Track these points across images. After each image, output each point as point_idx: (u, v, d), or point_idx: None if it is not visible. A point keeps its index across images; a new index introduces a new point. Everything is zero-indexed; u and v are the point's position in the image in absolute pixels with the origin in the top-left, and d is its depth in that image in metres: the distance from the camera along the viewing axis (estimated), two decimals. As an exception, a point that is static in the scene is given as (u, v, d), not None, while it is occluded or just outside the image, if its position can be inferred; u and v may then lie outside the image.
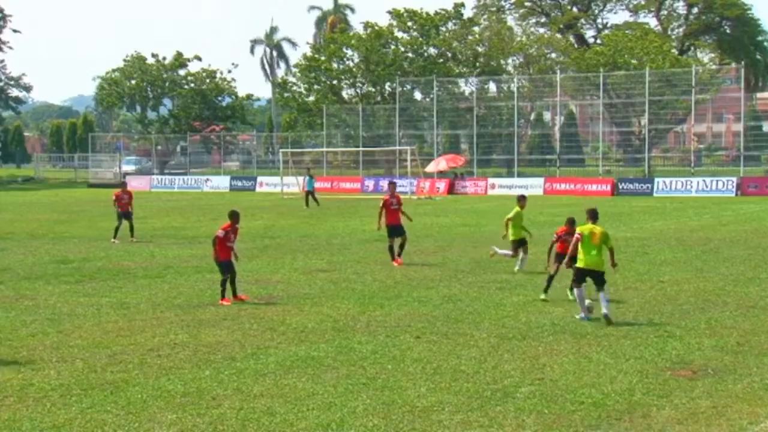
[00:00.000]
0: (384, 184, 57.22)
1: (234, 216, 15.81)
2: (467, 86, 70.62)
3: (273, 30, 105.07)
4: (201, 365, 11.06)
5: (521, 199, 18.92)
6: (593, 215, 13.71)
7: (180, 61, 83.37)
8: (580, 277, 13.49)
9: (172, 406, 9.36)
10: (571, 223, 15.09)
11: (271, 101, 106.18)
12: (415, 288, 16.81)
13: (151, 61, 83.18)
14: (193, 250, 23.25)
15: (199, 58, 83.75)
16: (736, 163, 58.33)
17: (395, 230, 20.47)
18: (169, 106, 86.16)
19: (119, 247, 24.31)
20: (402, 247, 20.53)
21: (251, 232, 27.80)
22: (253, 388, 10.00)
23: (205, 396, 9.74)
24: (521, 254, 18.60)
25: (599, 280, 13.33)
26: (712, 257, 20.69)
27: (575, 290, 13.53)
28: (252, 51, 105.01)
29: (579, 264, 13.45)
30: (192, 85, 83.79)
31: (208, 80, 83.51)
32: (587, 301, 13.52)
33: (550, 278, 15.28)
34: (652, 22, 78.65)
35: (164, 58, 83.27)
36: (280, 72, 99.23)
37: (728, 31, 77.88)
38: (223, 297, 15.38)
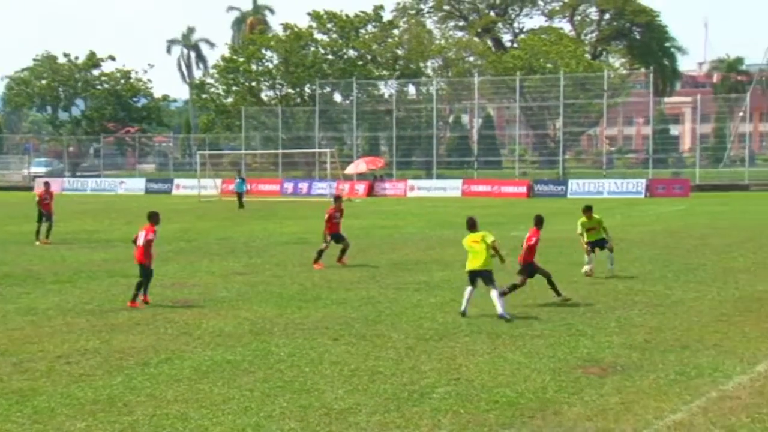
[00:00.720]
0: (303, 186, 57.18)
1: (153, 217, 15.72)
2: (387, 88, 70.99)
3: (190, 30, 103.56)
4: (113, 372, 10.83)
5: (586, 210, 18.73)
6: (471, 224, 14.41)
7: (93, 60, 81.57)
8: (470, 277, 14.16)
9: (82, 414, 9.15)
10: (538, 221, 16.01)
11: (188, 102, 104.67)
12: (333, 290, 16.80)
13: (62, 60, 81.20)
14: (106, 254, 22.77)
15: (113, 58, 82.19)
16: (645, 165, 60.02)
17: (335, 236, 20.78)
18: (81, 107, 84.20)
19: (28, 251, 23.62)
20: (344, 251, 20.68)
21: (167, 235, 27.32)
22: (166, 394, 9.84)
23: (116, 403, 9.54)
24: (597, 253, 18.33)
25: (487, 278, 13.93)
26: (623, 257, 21.21)
27: (467, 289, 14.19)
28: (169, 51, 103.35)
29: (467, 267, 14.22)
30: (106, 85, 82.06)
31: (122, 81, 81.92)
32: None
33: (514, 286, 15.08)
34: (567, 27, 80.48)
35: (76, 58, 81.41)
36: (198, 73, 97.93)
37: (638, 36, 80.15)
38: (134, 301, 15.21)
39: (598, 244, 18.45)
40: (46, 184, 28.34)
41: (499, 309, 13.65)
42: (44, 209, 26.31)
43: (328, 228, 20.62)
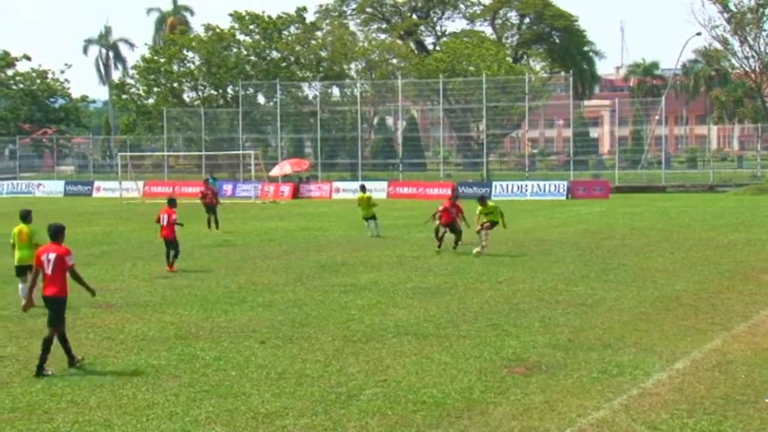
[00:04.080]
0: (228, 188, 56.52)
1: (172, 202, 20.66)
2: (311, 90, 70.82)
3: (108, 30, 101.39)
4: (32, 378, 10.54)
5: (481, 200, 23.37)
6: (362, 188, 24.53)
7: (7, 60, 79.42)
8: None
9: (0, 423, 8.88)
10: (454, 189, 26.38)
11: (107, 103, 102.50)
12: (259, 293, 16.67)
13: (-26, 59, 78.92)
14: (23, 259, 22.08)
15: (28, 58, 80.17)
16: (566, 167, 61.14)
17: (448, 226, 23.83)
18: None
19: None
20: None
21: (88, 238, 26.79)
22: (89, 400, 9.63)
23: (36, 410, 9.30)
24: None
25: None
26: (546, 258, 21.61)
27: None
28: (85, 51, 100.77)
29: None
30: (21, 85, 79.93)
31: (38, 81, 79.89)
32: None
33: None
34: (488, 30, 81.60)
35: (-11, 57, 79.22)
36: (117, 74, 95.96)
37: (557, 41, 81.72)
38: (171, 265, 19.74)
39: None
40: None
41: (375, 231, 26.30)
42: None
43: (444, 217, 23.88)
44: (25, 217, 15.48)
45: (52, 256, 10.94)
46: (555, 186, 51.48)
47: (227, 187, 56.97)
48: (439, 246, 22.73)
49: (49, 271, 10.91)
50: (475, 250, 21.93)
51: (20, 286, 15.40)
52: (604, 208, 40.18)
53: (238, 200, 52.17)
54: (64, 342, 10.94)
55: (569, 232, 28.76)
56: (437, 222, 23.30)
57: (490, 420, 8.92)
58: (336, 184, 56.25)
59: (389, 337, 12.71)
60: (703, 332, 12.91)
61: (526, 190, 51.27)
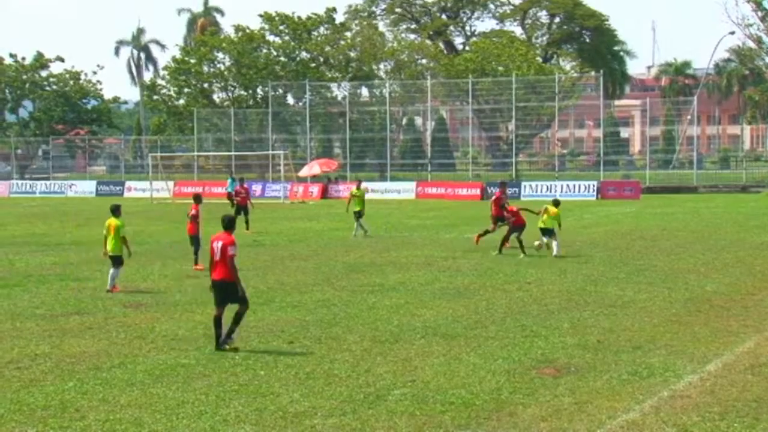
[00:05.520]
0: (257, 188, 56.80)
1: (197, 198, 20.93)
2: (340, 91, 70.92)
3: (140, 31, 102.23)
4: (64, 377, 10.67)
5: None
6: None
7: (41, 62, 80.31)
8: None
9: (32, 420, 9.00)
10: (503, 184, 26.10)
11: (139, 104, 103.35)
12: (288, 293, 16.74)
13: (9, 61, 79.84)
14: (57, 258, 22.39)
15: (61, 59, 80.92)
16: (596, 168, 60.73)
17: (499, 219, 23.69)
18: (29, 109, 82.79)
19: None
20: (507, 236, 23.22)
21: (118, 239, 26.96)
22: (120, 399, 9.72)
23: (68, 408, 9.40)
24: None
25: None
26: (575, 258, 21.48)
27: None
28: (117, 53, 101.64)
29: None
30: (54, 86, 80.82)
31: (71, 82, 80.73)
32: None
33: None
34: (518, 30, 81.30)
35: (23, 59, 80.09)
36: (148, 75, 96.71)
37: (588, 40, 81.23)
38: (197, 264, 19.63)
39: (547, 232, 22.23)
40: None
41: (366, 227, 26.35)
42: None
43: (495, 211, 23.62)
44: (114, 211, 17.29)
45: (220, 244, 12.20)
46: (585, 186, 51.17)
47: (256, 188, 57.28)
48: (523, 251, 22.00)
49: (217, 257, 12.20)
50: (536, 243, 22.14)
51: (111, 270, 17.16)
52: (634, 209, 39.89)
53: (267, 200, 52.40)
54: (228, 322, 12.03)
55: (599, 232, 28.58)
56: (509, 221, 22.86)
57: (519, 421, 8.89)
58: (365, 185, 56.13)
59: (417, 337, 12.71)
60: (735, 334, 12.78)
61: (556, 191, 50.91)
